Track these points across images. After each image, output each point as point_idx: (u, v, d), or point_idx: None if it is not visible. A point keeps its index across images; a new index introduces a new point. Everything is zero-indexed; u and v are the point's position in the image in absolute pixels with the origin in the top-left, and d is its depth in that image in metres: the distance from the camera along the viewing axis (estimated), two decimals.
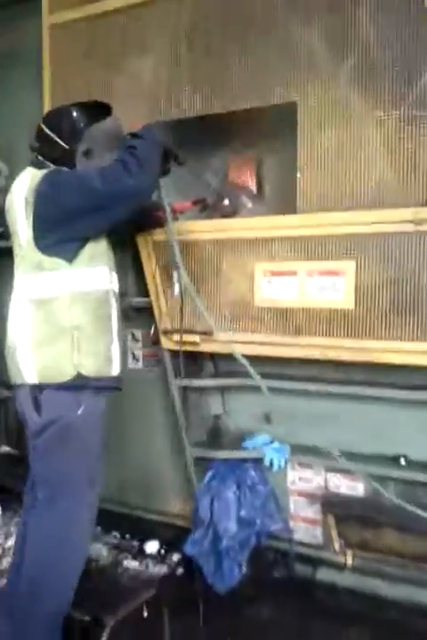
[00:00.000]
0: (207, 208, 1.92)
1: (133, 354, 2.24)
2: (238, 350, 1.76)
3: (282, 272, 1.70)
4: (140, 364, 2.24)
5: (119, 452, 2.18)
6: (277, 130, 1.87)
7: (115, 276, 1.59)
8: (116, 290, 1.59)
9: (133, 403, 2.19)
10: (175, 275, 1.76)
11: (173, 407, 2.01)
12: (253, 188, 1.94)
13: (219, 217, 1.87)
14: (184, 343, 1.85)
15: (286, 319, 1.71)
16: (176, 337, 1.88)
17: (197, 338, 1.82)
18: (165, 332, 1.91)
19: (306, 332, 1.68)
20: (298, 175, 1.68)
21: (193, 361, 1.99)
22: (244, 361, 1.66)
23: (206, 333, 1.81)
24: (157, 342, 2.04)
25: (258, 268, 1.73)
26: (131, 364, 2.24)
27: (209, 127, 1.93)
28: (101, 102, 1.60)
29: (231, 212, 1.87)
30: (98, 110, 1.56)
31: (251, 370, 1.67)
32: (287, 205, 1.81)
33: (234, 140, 1.99)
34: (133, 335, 2.23)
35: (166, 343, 1.92)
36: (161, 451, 2.17)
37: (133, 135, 1.52)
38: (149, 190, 1.55)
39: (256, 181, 1.96)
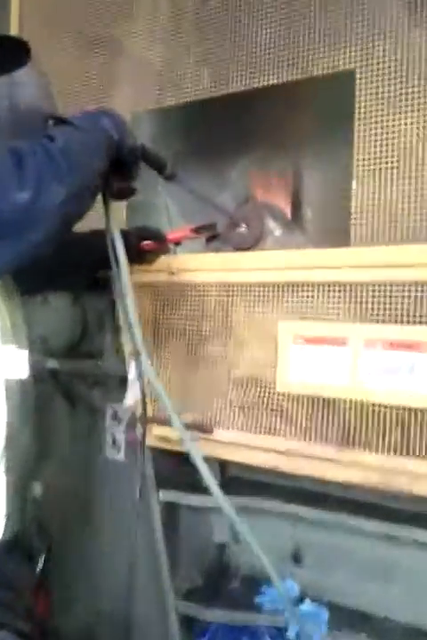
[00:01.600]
0: (216, 238, 1.30)
1: (114, 439, 1.61)
2: (247, 458, 1.11)
3: (323, 339, 1.04)
4: (121, 454, 1.60)
5: (88, 585, 1.54)
6: (326, 128, 1.25)
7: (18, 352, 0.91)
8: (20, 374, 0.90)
9: (110, 512, 1.55)
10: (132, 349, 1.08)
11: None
12: (287, 209, 1.30)
13: (232, 250, 1.24)
14: (160, 439, 1.21)
15: (325, 417, 1.04)
16: (156, 429, 1.24)
17: (171, 432, 1.16)
18: (142, 420, 1.27)
19: (359, 442, 1.01)
20: (353, 186, 1.04)
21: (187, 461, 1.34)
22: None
23: (199, 428, 1.16)
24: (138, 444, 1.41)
25: (284, 329, 1.08)
26: (110, 452, 1.60)
27: (224, 124, 1.33)
28: (10, 37, 1.01)
29: (250, 244, 1.23)
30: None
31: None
32: (337, 236, 1.17)
33: (260, 144, 1.37)
34: (115, 413, 1.60)
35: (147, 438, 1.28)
36: (143, 591, 1.49)
37: (64, 122, 0.92)
38: (76, 212, 0.91)
39: (292, 202, 1.33)
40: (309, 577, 1.28)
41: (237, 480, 1.27)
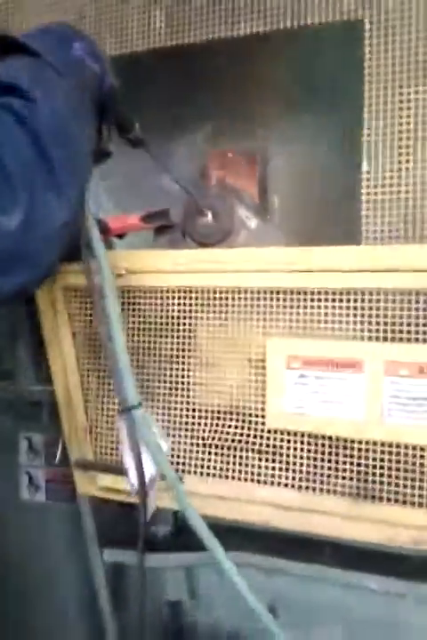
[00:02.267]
0: (169, 229, 1.02)
1: (30, 477, 1.29)
2: (227, 513, 0.87)
3: (329, 362, 0.82)
4: (41, 495, 1.29)
5: None
6: (300, 101, 1.02)
7: None
8: None
9: (32, 570, 1.24)
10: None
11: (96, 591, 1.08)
12: (256, 196, 1.06)
13: (195, 246, 0.98)
14: (105, 490, 0.94)
15: (335, 461, 0.82)
16: (101, 478, 0.96)
17: (124, 483, 0.89)
18: (80, 465, 0.97)
19: (381, 493, 0.80)
20: (364, 167, 0.82)
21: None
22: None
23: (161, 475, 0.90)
24: (63, 480, 1.12)
25: (275, 348, 0.85)
26: (26, 493, 1.29)
27: (173, 86, 1.05)
28: None
29: (219, 238, 0.98)
30: None
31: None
32: (313, 233, 0.95)
33: (221, 112, 1.11)
34: (30, 444, 1.28)
35: (83, 485, 0.99)
36: None
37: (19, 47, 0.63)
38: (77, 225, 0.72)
39: (261, 188, 1.08)
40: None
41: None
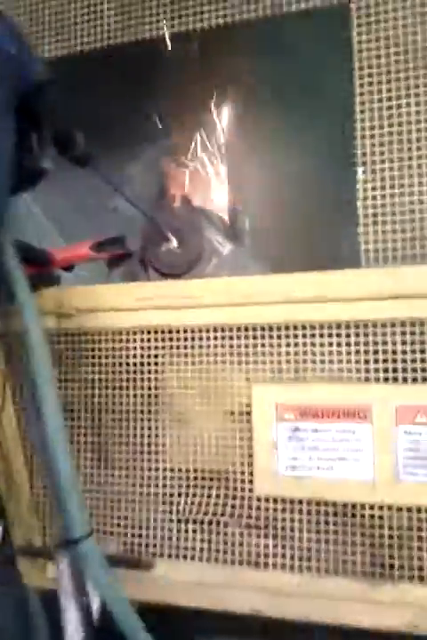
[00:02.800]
0: (126, 259, 0.87)
1: None
2: (211, 602, 0.70)
3: (329, 410, 0.67)
4: None
5: None
6: (274, 100, 0.89)
7: None
8: None
9: None
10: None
11: None
12: (226, 217, 0.92)
13: (158, 278, 0.82)
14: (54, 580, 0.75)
15: (342, 533, 0.67)
16: (50, 568, 0.78)
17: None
18: (26, 552, 0.79)
19: (402, 570, 0.65)
20: (360, 175, 0.68)
21: None
22: None
23: (130, 563, 0.73)
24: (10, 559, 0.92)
25: (262, 396, 0.70)
26: None
27: (131, 92, 0.91)
28: None
29: (185, 267, 0.82)
30: None
31: None
32: (294, 259, 0.82)
33: (179, 123, 0.97)
34: None
35: (30, 575, 0.80)
36: None
37: None
38: None
39: (229, 207, 0.94)
40: None
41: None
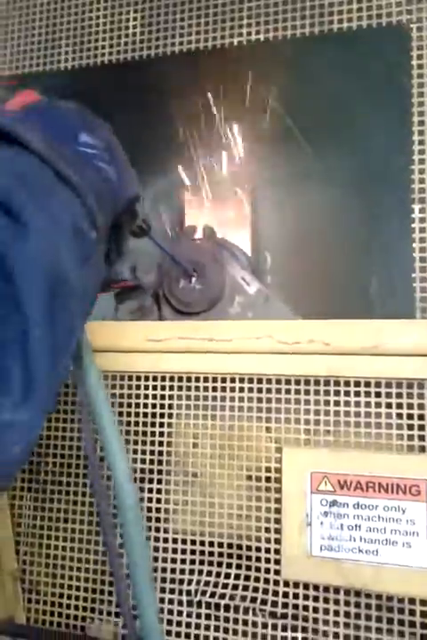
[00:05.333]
0: (136, 294, 0.78)
1: None
2: None
3: (374, 483, 0.57)
4: None
5: None
6: (305, 125, 0.81)
7: None
8: None
9: None
10: None
11: None
12: (248, 249, 0.83)
13: (173, 316, 0.73)
14: None
15: (386, 633, 0.56)
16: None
17: None
18: (7, 631, 0.67)
19: None
20: (416, 214, 0.59)
21: None
22: None
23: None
24: None
25: (294, 462, 0.60)
26: None
27: (149, 109, 0.83)
28: None
29: (205, 305, 0.73)
30: None
31: None
32: (325, 305, 0.74)
33: (200, 143, 0.88)
34: None
35: None
36: None
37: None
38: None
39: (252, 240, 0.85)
40: None
41: None
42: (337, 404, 0.59)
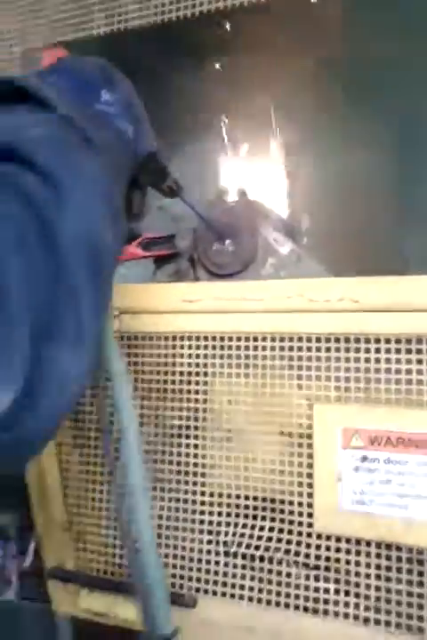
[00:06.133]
0: (173, 258, 0.79)
1: None
2: None
3: (407, 439, 0.58)
4: (11, 592, 1.02)
5: None
6: (345, 90, 0.79)
7: None
8: None
9: None
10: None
11: None
12: (281, 210, 0.82)
13: (207, 278, 0.74)
14: (90, 612, 0.69)
15: (417, 585, 0.57)
16: (84, 596, 0.70)
17: (118, 605, 0.64)
18: (56, 576, 0.72)
19: None
20: None
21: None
22: None
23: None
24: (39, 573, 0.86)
25: (325, 418, 0.60)
26: None
27: (181, 73, 0.83)
28: None
29: (239, 267, 0.74)
30: None
31: None
32: (360, 265, 0.73)
33: (234, 109, 0.88)
34: None
35: (60, 601, 0.74)
36: None
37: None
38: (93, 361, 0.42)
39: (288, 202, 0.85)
40: None
41: None
42: (368, 360, 0.59)
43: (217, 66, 0.81)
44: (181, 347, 0.68)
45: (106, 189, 0.42)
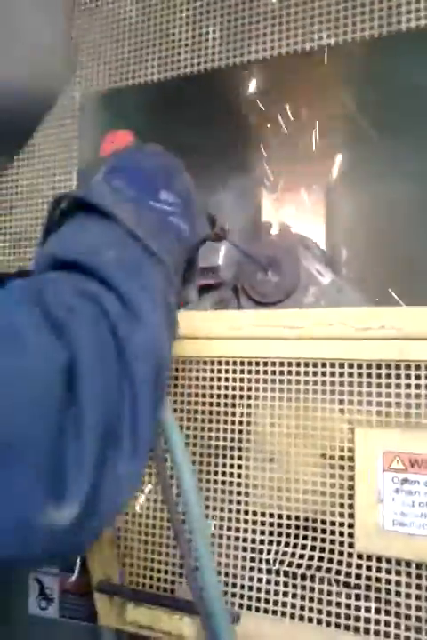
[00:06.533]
0: (217, 287, 0.84)
1: (41, 586, 1.06)
2: None
3: None
4: (54, 609, 1.05)
5: None
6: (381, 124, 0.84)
7: None
8: None
9: None
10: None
11: None
12: (322, 242, 0.86)
13: (251, 307, 0.78)
14: (137, 625, 0.71)
15: None
16: (132, 609, 0.73)
17: (164, 620, 0.67)
18: (103, 590, 0.75)
19: None
20: None
21: None
22: None
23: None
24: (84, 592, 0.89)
25: (367, 442, 0.63)
26: (36, 606, 1.05)
27: (224, 118, 0.89)
28: None
29: (281, 296, 0.78)
30: None
31: None
32: (394, 289, 0.76)
33: (275, 148, 0.93)
34: None
35: (106, 614, 0.76)
36: None
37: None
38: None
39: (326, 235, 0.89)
40: None
41: None
42: (408, 386, 0.62)
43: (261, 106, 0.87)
44: (226, 371, 0.71)
45: (167, 296, 0.46)
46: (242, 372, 0.70)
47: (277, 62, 0.80)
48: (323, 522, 0.65)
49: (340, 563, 0.64)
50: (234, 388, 0.70)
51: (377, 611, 0.62)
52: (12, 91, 0.49)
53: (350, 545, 0.63)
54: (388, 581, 0.61)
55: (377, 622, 0.61)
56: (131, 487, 0.40)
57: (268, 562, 0.67)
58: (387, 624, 0.61)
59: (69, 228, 0.46)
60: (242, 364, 0.70)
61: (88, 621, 0.99)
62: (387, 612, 0.61)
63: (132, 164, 0.51)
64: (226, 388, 0.71)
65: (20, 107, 0.50)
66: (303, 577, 0.65)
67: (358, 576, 0.63)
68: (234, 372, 0.71)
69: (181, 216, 0.50)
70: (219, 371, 0.71)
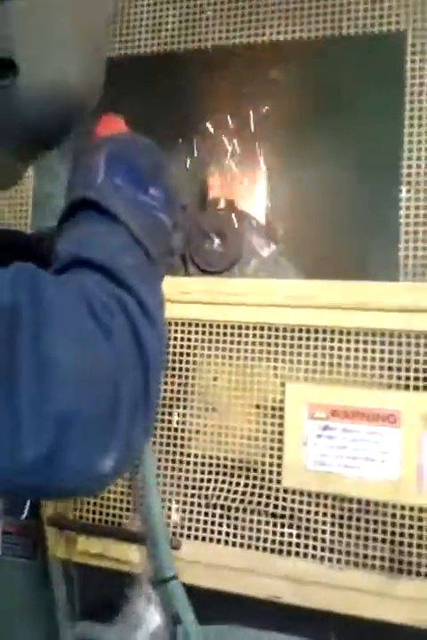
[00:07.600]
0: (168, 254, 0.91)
1: None
2: (233, 585, 0.74)
3: (360, 413, 0.71)
4: None
5: None
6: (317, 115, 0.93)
7: None
8: None
9: None
10: None
11: None
12: (262, 218, 0.95)
13: (197, 274, 0.86)
14: (88, 555, 0.80)
15: (365, 529, 0.71)
16: (83, 541, 0.81)
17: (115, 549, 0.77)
18: (54, 522, 0.83)
19: (419, 570, 0.69)
20: (403, 194, 0.73)
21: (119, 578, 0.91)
22: None
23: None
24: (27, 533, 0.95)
25: (295, 395, 0.73)
26: None
27: (174, 95, 0.95)
28: None
29: (226, 265, 0.86)
30: None
31: None
32: (327, 269, 0.86)
33: (219, 127, 1.00)
34: None
35: (57, 546, 0.84)
36: None
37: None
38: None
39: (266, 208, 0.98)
40: None
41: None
42: (331, 348, 0.73)
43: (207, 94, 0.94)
44: (175, 331, 0.79)
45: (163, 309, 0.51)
46: (190, 332, 0.79)
47: (225, 53, 0.88)
48: (255, 463, 0.75)
49: (268, 497, 0.74)
50: (182, 347, 0.79)
51: (298, 536, 0.73)
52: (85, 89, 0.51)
53: (278, 482, 0.74)
54: (308, 512, 0.73)
55: (298, 546, 0.73)
56: (145, 439, 0.49)
57: (206, 497, 0.77)
58: (306, 547, 0.72)
59: (87, 228, 0.49)
60: (190, 325, 0.79)
61: (28, 558, 1.06)
62: (306, 537, 0.73)
63: (128, 159, 0.54)
64: (174, 346, 0.79)
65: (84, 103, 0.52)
66: (236, 510, 0.76)
67: (284, 508, 0.74)
68: (182, 332, 0.79)
69: (163, 210, 0.54)
70: (169, 331, 0.79)
